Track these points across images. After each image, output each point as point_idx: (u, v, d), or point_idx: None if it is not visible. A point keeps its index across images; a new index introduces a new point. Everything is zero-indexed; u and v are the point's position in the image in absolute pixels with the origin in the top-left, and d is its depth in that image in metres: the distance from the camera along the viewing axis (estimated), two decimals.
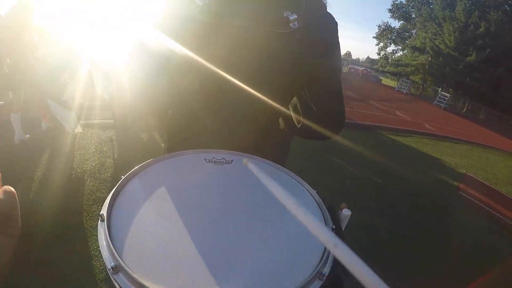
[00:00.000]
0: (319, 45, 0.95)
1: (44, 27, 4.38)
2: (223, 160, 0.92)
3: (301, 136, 1.12)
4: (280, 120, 1.15)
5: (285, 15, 0.86)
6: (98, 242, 0.61)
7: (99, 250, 0.59)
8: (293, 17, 0.86)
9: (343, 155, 5.47)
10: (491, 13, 22.36)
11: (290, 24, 0.86)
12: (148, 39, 0.92)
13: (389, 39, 38.07)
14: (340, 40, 1.04)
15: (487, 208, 4.28)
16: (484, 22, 22.29)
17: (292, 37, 0.88)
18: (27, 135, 3.84)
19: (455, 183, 5.19)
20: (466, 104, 23.31)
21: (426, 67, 26.12)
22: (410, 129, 9.14)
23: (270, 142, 1.17)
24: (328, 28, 0.97)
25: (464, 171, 5.59)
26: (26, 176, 3.03)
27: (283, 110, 1.06)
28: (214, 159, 0.91)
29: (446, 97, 20.84)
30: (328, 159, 5.16)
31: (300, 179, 0.89)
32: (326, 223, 0.72)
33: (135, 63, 0.99)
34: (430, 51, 25.79)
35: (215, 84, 0.93)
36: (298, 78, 0.97)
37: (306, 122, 1.02)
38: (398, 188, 4.59)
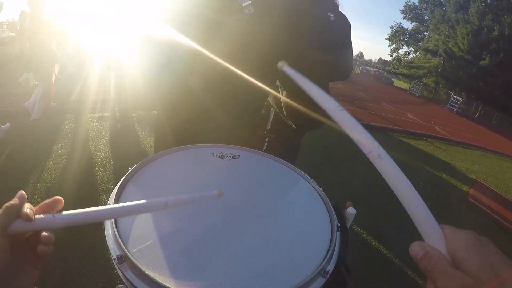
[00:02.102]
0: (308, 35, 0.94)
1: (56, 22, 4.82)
2: (230, 154, 0.92)
3: (292, 119, 1.12)
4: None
5: (239, 1, 0.85)
6: (104, 230, 0.62)
7: (105, 239, 0.60)
8: (246, 3, 0.84)
9: (352, 155, 5.42)
10: (505, 16, 21.79)
11: (245, 11, 0.85)
12: (155, 33, 0.92)
13: (402, 40, 37.58)
14: (352, 40, 1.03)
15: (495, 216, 4.22)
16: (497, 26, 21.78)
17: (253, 22, 0.87)
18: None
19: (465, 189, 5.12)
20: (479, 109, 22.88)
21: (439, 70, 25.72)
22: (421, 132, 9.02)
23: (279, 137, 1.17)
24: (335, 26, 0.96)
25: (474, 177, 5.51)
26: (40, 165, 3.12)
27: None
28: (221, 154, 0.91)
29: (459, 101, 20.47)
30: (336, 158, 5.14)
31: (307, 176, 0.89)
32: (331, 221, 0.72)
33: (143, 58, 0.99)
34: (443, 54, 25.35)
35: (221, 76, 0.93)
36: (274, 61, 0.96)
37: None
38: None
